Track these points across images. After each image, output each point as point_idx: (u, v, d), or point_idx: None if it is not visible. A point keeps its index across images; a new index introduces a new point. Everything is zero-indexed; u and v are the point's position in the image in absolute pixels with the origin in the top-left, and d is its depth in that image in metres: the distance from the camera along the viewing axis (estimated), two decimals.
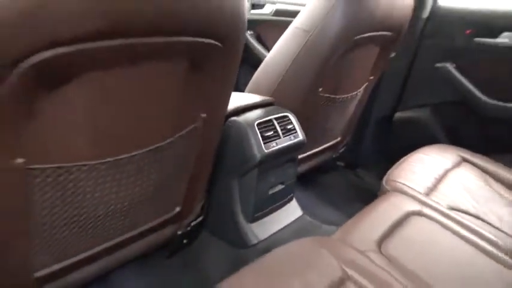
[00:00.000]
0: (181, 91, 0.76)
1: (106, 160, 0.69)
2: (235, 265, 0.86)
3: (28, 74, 0.50)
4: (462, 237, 0.91)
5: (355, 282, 0.69)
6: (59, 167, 0.63)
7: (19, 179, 0.60)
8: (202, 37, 0.68)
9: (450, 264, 0.82)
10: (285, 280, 0.67)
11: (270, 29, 1.94)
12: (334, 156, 1.62)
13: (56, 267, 0.77)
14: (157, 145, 0.78)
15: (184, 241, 1.12)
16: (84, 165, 0.66)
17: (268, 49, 1.90)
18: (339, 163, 1.78)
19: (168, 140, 0.79)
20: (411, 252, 0.82)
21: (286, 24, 1.20)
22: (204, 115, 0.84)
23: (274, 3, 1.97)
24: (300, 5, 1.94)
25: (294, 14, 1.77)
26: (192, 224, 1.07)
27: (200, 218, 1.08)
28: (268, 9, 1.97)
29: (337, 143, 1.57)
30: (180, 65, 0.72)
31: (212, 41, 0.70)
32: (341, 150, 1.65)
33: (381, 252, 0.79)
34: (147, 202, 0.86)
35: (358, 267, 0.73)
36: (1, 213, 0.61)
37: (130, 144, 0.72)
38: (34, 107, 0.55)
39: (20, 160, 0.58)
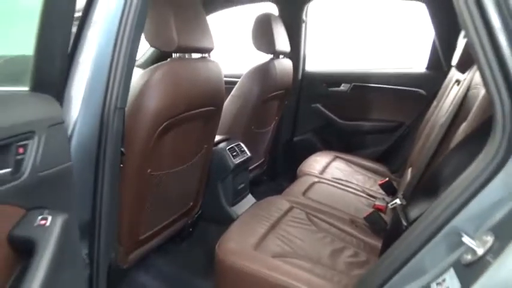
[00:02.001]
0: (199, 134, 1.51)
1: (174, 170, 1.41)
2: None
3: (161, 128, 1.23)
4: (341, 189, 1.80)
5: (297, 208, 1.50)
6: (159, 173, 1.34)
7: (147, 179, 1.29)
8: (211, 106, 1.46)
9: (338, 199, 1.68)
10: (260, 213, 1.42)
11: None
12: (260, 172, 2.45)
13: (144, 236, 1.43)
14: (190, 162, 1.51)
15: (190, 229, 1.80)
16: (168, 172, 1.38)
17: None
18: (264, 177, 2.59)
19: (193, 160, 1.53)
20: (319, 196, 1.66)
21: None
22: (206, 146, 1.60)
23: None
24: None
25: None
26: (196, 216, 1.77)
27: (200, 211, 1.79)
28: None
29: (262, 162, 2.41)
30: (200, 122, 1.48)
31: (213, 108, 1.49)
32: (265, 167, 2.49)
33: (306, 197, 1.63)
34: (182, 196, 1.57)
35: (297, 202, 1.54)
36: (137, 197, 1.28)
37: (181, 162, 1.45)
38: (157, 143, 1.27)
39: (149, 170, 1.28)
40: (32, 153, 0.64)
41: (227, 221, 1.80)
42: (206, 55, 1.42)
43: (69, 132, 0.93)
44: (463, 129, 1.03)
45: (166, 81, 1.19)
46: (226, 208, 1.80)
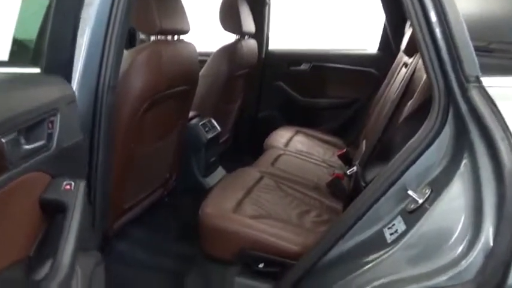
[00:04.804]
0: (176, 111, 1.63)
1: (154, 144, 1.52)
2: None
3: (145, 106, 1.33)
4: (304, 160, 2.00)
5: (267, 177, 1.67)
6: (140, 147, 1.44)
7: (131, 152, 1.39)
8: (188, 85, 1.58)
9: (302, 169, 1.87)
10: (235, 182, 1.57)
11: None
12: (226, 147, 2.58)
13: (128, 205, 1.54)
14: (168, 137, 1.62)
15: (166, 199, 1.92)
16: (149, 146, 1.49)
17: None
18: (230, 152, 2.72)
19: (171, 135, 1.65)
20: (286, 166, 1.85)
21: None
22: (181, 122, 1.72)
23: None
24: None
25: None
26: (172, 187, 1.90)
27: (175, 183, 1.91)
28: None
29: (228, 138, 2.55)
30: (178, 100, 1.59)
31: (190, 87, 1.60)
32: (230, 143, 2.62)
33: (274, 167, 1.81)
34: (160, 168, 1.69)
35: (267, 172, 1.71)
36: (122, 168, 1.38)
37: (160, 137, 1.56)
38: (141, 119, 1.37)
39: (133, 144, 1.38)
40: (57, 128, 0.74)
41: (200, 190, 1.95)
42: (182, 37, 1.52)
43: None
44: (409, 105, 1.24)
45: (151, 62, 1.29)
46: (199, 179, 1.94)
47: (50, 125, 0.72)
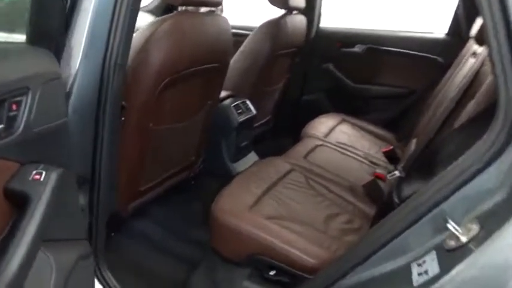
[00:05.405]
0: (203, 91, 1.50)
1: (176, 124, 1.41)
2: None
3: (164, 83, 1.22)
4: (343, 153, 1.80)
5: (297, 170, 1.51)
6: (161, 128, 1.34)
7: (148, 133, 1.29)
8: (217, 63, 1.43)
9: (339, 165, 1.68)
10: (259, 174, 1.43)
11: None
12: (266, 129, 2.43)
13: (144, 187, 1.46)
14: (193, 118, 1.51)
15: (192, 182, 1.83)
16: (170, 127, 1.38)
17: None
18: (269, 135, 2.58)
19: (196, 115, 1.53)
20: (321, 160, 1.66)
21: None
22: (210, 102, 1.59)
23: None
24: None
25: None
26: (198, 169, 1.80)
27: (201, 166, 1.81)
28: None
29: (269, 119, 2.39)
30: (205, 78, 1.46)
31: (219, 65, 1.46)
32: (271, 125, 2.47)
33: (307, 160, 1.63)
34: (184, 150, 1.58)
35: (297, 165, 1.55)
36: (137, 150, 1.30)
37: (184, 117, 1.45)
38: (159, 98, 1.26)
39: (150, 124, 1.28)
40: (26, 110, 0.65)
41: (227, 176, 1.83)
42: (214, 9, 1.37)
43: (69, 84, 0.91)
44: (469, 107, 1.00)
45: (172, 36, 1.16)
46: (227, 164, 1.82)
47: (14, 107, 0.62)
